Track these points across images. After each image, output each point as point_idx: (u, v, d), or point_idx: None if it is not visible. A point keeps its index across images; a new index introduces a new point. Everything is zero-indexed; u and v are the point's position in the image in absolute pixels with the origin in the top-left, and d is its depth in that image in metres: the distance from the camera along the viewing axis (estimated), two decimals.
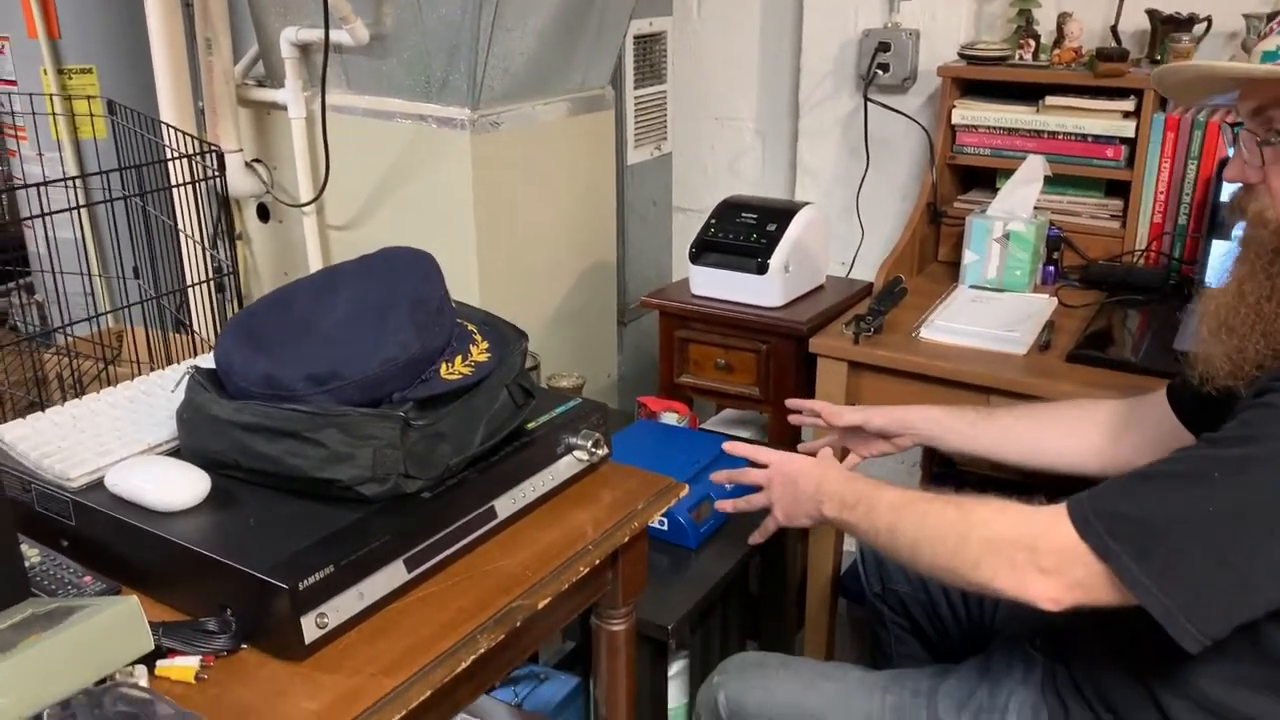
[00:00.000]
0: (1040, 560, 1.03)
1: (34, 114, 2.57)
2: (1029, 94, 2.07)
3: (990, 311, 1.86)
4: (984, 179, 2.22)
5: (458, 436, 1.09)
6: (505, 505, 1.13)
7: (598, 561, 1.13)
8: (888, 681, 1.30)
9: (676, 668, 1.73)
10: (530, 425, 1.19)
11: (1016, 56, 2.09)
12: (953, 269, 2.07)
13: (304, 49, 2.13)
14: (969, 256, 1.99)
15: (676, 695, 1.72)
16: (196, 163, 1.37)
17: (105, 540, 1.01)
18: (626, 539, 1.17)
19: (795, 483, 1.32)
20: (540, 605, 1.04)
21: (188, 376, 1.09)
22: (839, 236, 2.43)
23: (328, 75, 2.11)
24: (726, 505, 1.46)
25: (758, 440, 2.02)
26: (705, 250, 1.98)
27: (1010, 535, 1.06)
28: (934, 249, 2.20)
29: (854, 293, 2.06)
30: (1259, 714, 1.06)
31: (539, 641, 1.18)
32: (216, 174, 1.35)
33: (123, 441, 1.10)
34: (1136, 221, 2.00)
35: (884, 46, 2.24)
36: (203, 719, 0.81)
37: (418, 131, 2.08)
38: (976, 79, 2.11)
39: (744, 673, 1.34)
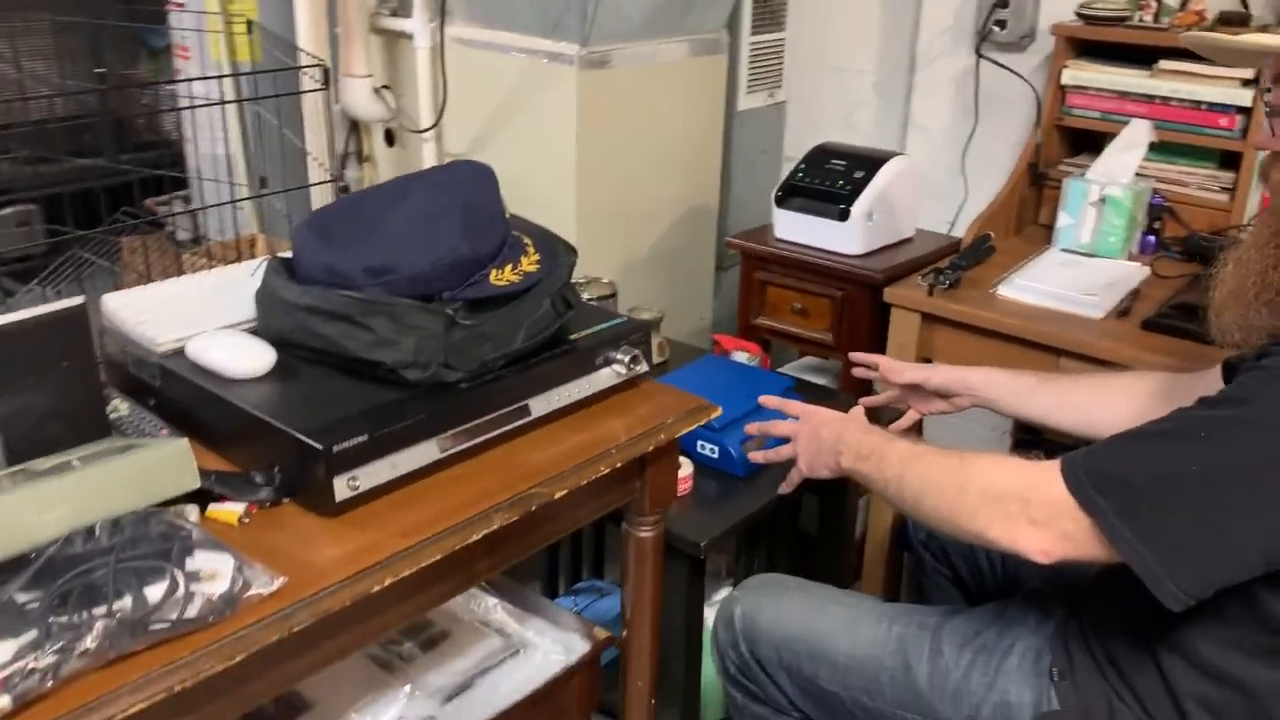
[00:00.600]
0: (1032, 512, 1.06)
1: (197, 31, 2.77)
2: (1147, 57, 2.01)
3: (1075, 275, 1.84)
4: (1096, 143, 2.17)
5: (500, 337, 1.18)
6: (540, 405, 1.21)
7: (620, 464, 1.20)
8: (898, 613, 1.34)
9: (720, 595, 1.81)
10: (573, 336, 1.28)
11: (1136, 18, 2.03)
12: (1051, 232, 2.04)
13: None
14: (1063, 219, 1.96)
15: None
16: (308, 75, 1.49)
17: (182, 399, 1.15)
18: (652, 448, 1.25)
19: (818, 434, 1.37)
20: (557, 495, 1.13)
21: (265, 263, 1.21)
22: (946, 194, 2.42)
23: (454, 6, 2.22)
24: (758, 456, 1.52)
25: (828, 387, 2.06)
26: (791, 194, 2.01)
27: (1006, 487, 1.09)
28: (1035, 211, 2.17)
29: (941, 247, 2.06)
30: (1252, 678, 1.06)
31: (562, 532, 1.26)
32: (321, 87, 1.47)
33: (208, 316, 1.23)
34: (1246, 195, 1.93)
35: (1002, 3, 2.20)
36: (232, 550, 0.92)
37: (530, 65, 2.18)
38: (1092, 39, 2.06)
39: (762, 591, 1.40)
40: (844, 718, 1.31)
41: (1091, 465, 1.03)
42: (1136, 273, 1.86)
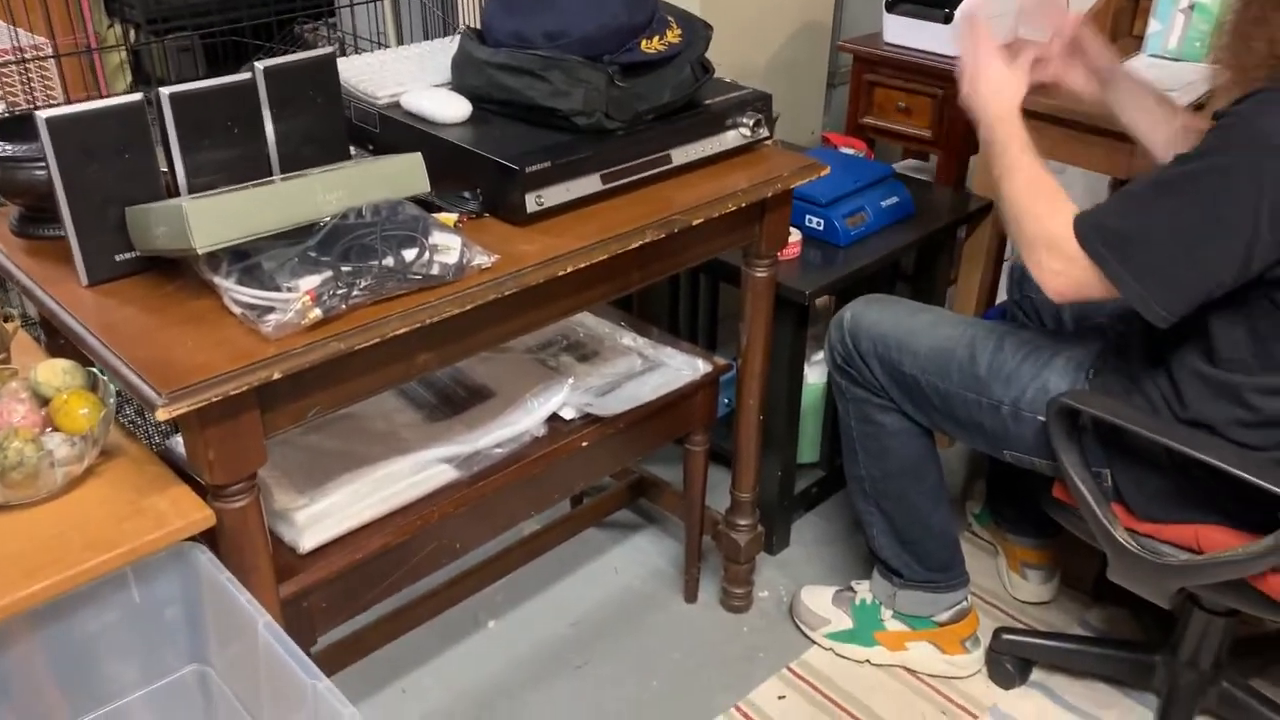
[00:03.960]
0: (1054, 263, 1.34)
1: None
2: None
3: (1158, 75, 1.99)
4: None
5: (650, 96, 1.44)
6: (679, 155, 1.48)
7: (745, 204, 1.47)
8: (974, 320, 1.63)
9: (818, 357, 2.08)
10: (707, 101, 1.53)
11: None
12: (1143, 42, 2.18)
13: None
14: (1153, 26, 2.11)
15: (818, 377, 2.07)
16: None
17: (399, 141, 1.44)
18: (770, 194, 1.51)
19: (982, 77, 1.50)
20: (694, 221, 1.40)
21: (461, 32, 1.49)
22: None
23: None
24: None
25: (925, 180, 2.27)
26: (900, 0, 2.19)
27: (1040, 237, 1.36)
28: (1130, 23, 2.31)
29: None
30: (1229, 379, 1.34)
31: (697, 258, 1.52)
32: None
33: (414, 78, 1.51)
34: None
35: None
36: (459, 233, 1.23)
37: None
38: None
39: (868, 301, 1.69)
40: (919, 398, 1.60)
41: (1097, 222, 1.31)
42: (1219, 74, 2.01)
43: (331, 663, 1.61)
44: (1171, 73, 2.02)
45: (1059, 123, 1.97)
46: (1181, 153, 1.28)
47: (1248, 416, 1.33)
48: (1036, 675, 1.78)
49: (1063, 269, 1.33)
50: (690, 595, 1.94)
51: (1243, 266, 1.24)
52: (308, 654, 1.31)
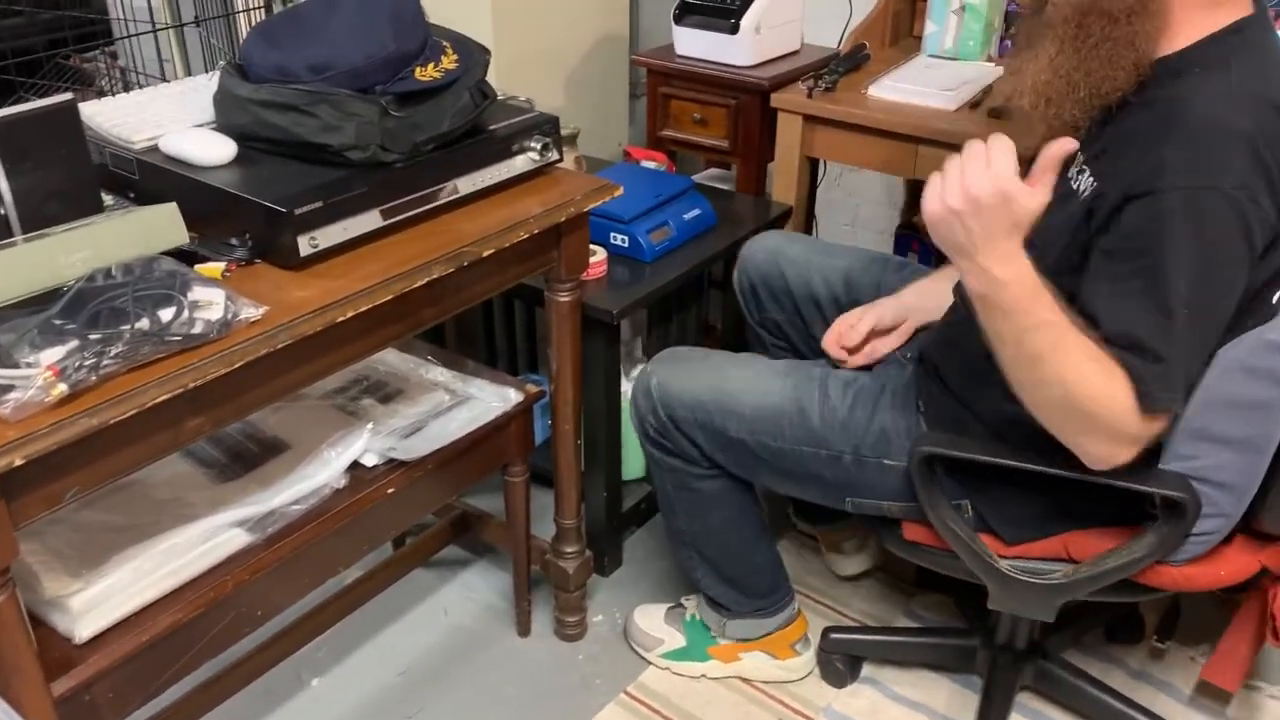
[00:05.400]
0: (1132, 437, 1.21)
1: None
2: None
3: (938, 76, 2.07)
4: None
5: (428, 126, 1.39)
6: (465, 184, 1.43)
7: (538, 231, 1.44)
8: (789, 368, 1.58)
9: (636, 372, 2.07)
10: (492, 127, 1.49)
11: None
12: (921, 42, 2.26)
13: None
14: (929, 27, 2.19)
15: None
16: None
17: (160, 187, 1.34)
18: (564, 218, 1.48)
19: (978, 216, 1.14)
20: (485, 253, 1.36)
21: (221, 68, 1.40)
22: (834, 14, 2.61)
23: None
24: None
25: (727, 190, 2.29)
26: (687, 12, 2.20)
27: (1106, 427, 1.19)
28: (910, 24, 2.39)
29: (823, 58, 2.27)
30: None
31: (494, 289, 1.47)
32: None
33: (174, 119, 1.42)
34: None
35: None
36: (223, 286, 1.15)
37: None
38: None
39: (672, 362, 1.63)
40: (749, 459, 1.55)
41: (1163, 381, 1.17)
42: (991, 72, 2.09)
43: None
44: (951, 72, 2.09)
45: (845, 127, 2.01)
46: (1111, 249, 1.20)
47: None
48: (867, 670, 1.81)
49: (1138, 436, 1.21)
50: (523, 629, 1.90)
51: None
52: None
